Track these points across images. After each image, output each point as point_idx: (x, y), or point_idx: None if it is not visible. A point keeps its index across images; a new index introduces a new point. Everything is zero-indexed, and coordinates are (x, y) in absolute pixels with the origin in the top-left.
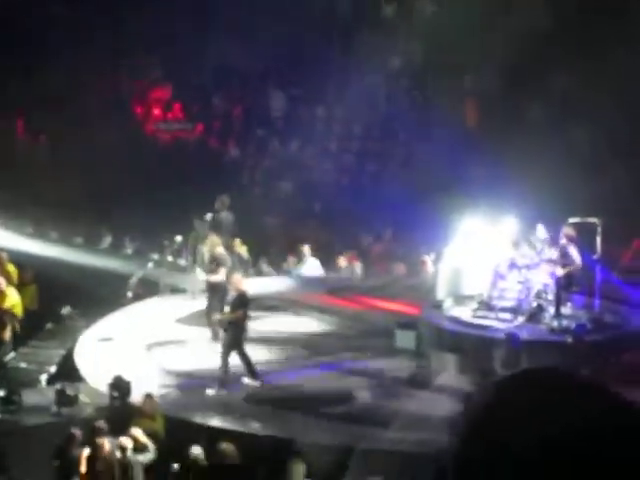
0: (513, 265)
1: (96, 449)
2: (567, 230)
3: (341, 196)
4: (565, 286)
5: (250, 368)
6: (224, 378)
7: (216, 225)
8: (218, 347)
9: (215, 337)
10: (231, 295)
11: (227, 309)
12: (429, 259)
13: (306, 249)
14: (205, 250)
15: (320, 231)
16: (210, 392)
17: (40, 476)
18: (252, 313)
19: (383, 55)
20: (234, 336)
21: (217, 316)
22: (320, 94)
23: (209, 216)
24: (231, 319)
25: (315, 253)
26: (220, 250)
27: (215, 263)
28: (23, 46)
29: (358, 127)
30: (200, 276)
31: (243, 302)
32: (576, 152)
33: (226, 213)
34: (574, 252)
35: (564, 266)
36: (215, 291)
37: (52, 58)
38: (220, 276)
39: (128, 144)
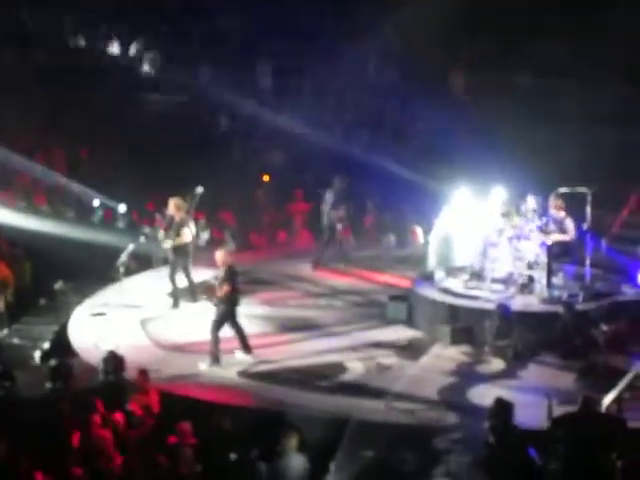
0: (503, 235)
1: (89, 425)
2: (556, 201)
3: (332, 167)
4: (556, 256)
5: (244, 342)
6: (215, 352)
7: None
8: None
9: (175, 304)
10: (219, 270)
11: (215, 282)
12: (419, 230)
13: (298, 221)
14: (169, 213)
15: (311, 203)
16: (203, 366)
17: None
18: (243, 286)
19: (373, 25)
20: (225, 310)
21: (205, 292)
22: (310, 65)
23: (200, 189)
24: (220, 294)
25: (306, 225)
26: (182, 214)
27: (177, 226)
28: None
29: (349, 98)
30: (165, 243)
31: (231, 275)
32: (565, 120)
33: None
34: (570, 223)
35: (562, 238)
36: (178, 254)
37: None
38: (183, 238)
39: (116, 115)
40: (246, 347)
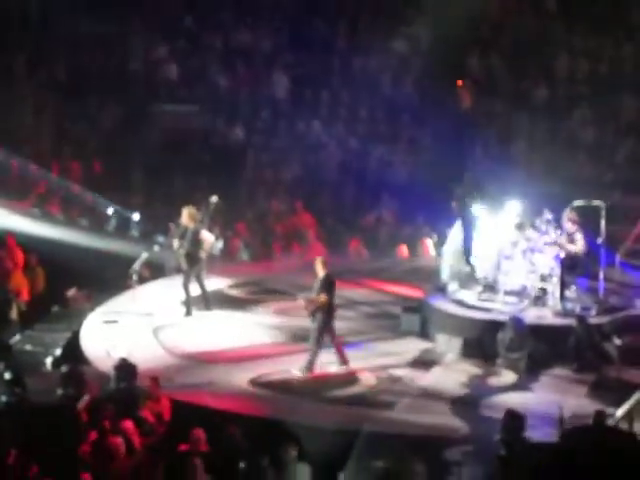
0: (517, 248)
1: (101, 432)
2: (570, 214)
3: (347, 179)
4: (569, 269)
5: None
6: (313, 361)
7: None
8: (223, 329)
9: (188, 313)
10: (316, 280)
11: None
12: (430, 241)
13: (311, 234)
14: (184, 222)
15: (325, 214)
16: (296, 372)
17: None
18: (258, 296)
19: (388, 37)
20: (323, 320)
21: (302, 300)
22: (326, 77)
23: (214, 199)
24: (318, 304)
25: (320, 237)
26: (195, 223)
27: (192, 235)
28: None
29: (363, 110)
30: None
31: (329, 285)
32: (581, 134)
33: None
34: (580, 236)
35: (569, 248)
36: (192, 263)
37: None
38: (207, 245)
39: (132, 126)
40: (343, 360)
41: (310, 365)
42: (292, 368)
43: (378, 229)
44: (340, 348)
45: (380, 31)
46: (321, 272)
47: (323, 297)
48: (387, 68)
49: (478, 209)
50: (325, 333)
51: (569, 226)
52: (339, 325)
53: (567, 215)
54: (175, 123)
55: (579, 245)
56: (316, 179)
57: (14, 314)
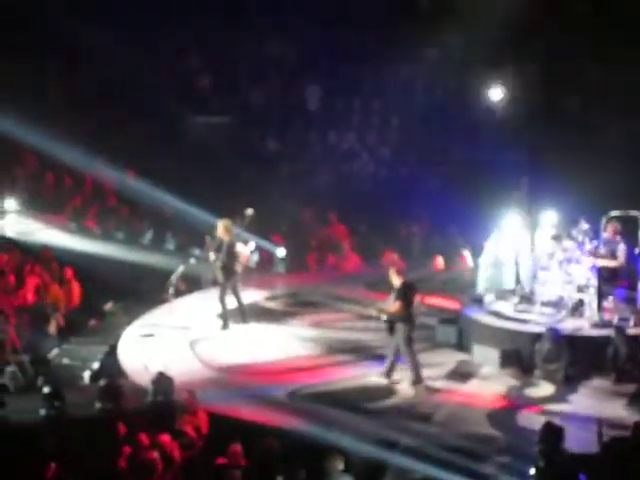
0: (554, 259)
1: (137, 446)
2: (613, 224)
3: (380, 189)
4: (607, 280)
5: (415, 370)
6: (417, 370)
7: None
8: (260, 342)
9: (225, 326)
10: (394, 288)
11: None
12: (468, 253)
13: (345, 245)
14: (219, 235)
15: (358, 225)
16: (405, 387)
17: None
18: (294, 309)
19: (419, 46)
20: (406, 328)
21: (374, 311)
22: (357, 86)
23: (250, 211)
24: (390, 312)
25: (354, 247)
26: (231, 236)
27: (227, 248)
28: None
29: (396, 119)
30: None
31: (405, 292)
32: (615, 145)
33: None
34: (622, 247)
35: (610, 265)
36: (227, 276)
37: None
38: (243, 258)
39: (164, 136)
40: (390, 372)
41: (417, 376)
42: (402, 385)
43: (411, 240)
44: (396, 361)
45: (411, 39)
46: (397, 281)
47: (395, 305)
48: (419, 76)
49: (518, 220)
50: (412, 342)
51: (610, 236)
52: (375, 337)
53: (608, 226)
54: (207, 134)
55: (620, 259)
56: (349, 189)
57: (53, 329)
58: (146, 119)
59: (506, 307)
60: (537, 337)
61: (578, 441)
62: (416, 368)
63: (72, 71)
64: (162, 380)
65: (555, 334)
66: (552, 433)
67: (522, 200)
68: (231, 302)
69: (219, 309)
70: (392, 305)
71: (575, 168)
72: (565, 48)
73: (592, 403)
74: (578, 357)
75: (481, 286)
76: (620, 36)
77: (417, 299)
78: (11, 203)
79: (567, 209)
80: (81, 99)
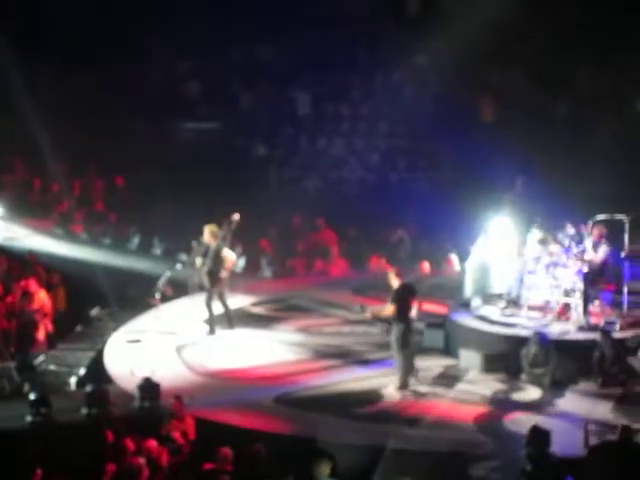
0: (540, 263)
1: (124, 451)
2: (598, 229)
3: (368, 194)
4: (592, 283)
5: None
6: (407, 373)
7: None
8: (247, 347)
9: (211, 331)
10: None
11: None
12: (455, 258)
13: (333, 250)
14: (206, 240)
15: (347, 230)
16: (392, 389)
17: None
18: (281, 314)
19: (408, 53)
20: (401, 328)
21: (368, 314)
22: (346, 92)
23: (236, 216)
24: (384, 315)
25: (343, 252)
26: (218, 241)
27: (213, 253)
28: None
29: (384, 125)
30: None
31: (400, 295)
32: (602, 149)
33: None
34: (603, 248)
35: (590, 258)
36: (214, 281)
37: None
38: (229, 263)
39: (155, 143)
40: (404, 381)
41: (404, 381)
42: (389, 386)
43: (399, 245)
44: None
45: (400, 45)
46: (395, 283)
47: (389, 307)
48: (408, 83)
49: (504, 224)
50: (408, 345)
51: (596, 239)
52: (362, 341)
53: (594, 229)
54: (196, 140)
55: (599, 256)
56: (338, 194)
57: (41, 335)
58: (134, 125)
59: (493, 311)
60: (524, 341)
61: (565, 444)
62: (405, 373)
63: (62, 76)
64: (149, 385)
65: (542, 338)
66: (539, 437)
67: (515, 201)
68: (218, 307)
69: (206, 314)
70: (388, 307)
71: (563, 172)
72: (554, 52)
73: (579, 406)
74: (564, 361)
75: (468, 290)
76: (609, 40)
77: (415, 302)
78: None
79: (555, 212)
80: (70, 104)
